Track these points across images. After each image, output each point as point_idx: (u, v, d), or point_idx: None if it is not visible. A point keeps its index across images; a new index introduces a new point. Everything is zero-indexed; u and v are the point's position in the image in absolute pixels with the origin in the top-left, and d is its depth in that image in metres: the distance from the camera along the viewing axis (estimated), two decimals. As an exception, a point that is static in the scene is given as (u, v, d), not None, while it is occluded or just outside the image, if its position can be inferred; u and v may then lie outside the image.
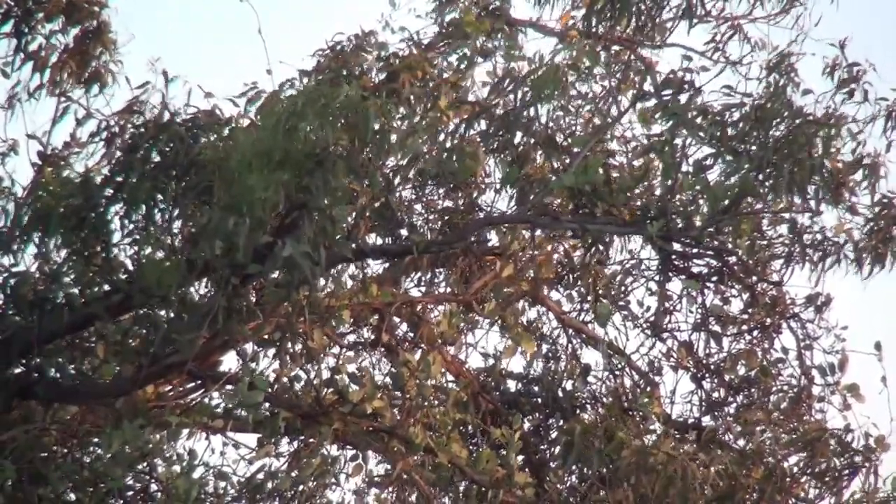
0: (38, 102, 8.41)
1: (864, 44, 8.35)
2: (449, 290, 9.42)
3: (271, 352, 8.03)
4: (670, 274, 8.68)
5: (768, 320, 8.96)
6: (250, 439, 7.99)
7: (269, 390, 7.70)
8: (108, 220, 7.15)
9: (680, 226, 7.84)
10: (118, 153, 7.32)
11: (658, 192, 8.24)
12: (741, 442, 8.57)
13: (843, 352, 8.68)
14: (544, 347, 9.55)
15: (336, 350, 8.61)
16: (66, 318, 7.17)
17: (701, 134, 7.74)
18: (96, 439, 7.45)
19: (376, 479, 8.36)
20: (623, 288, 9.42)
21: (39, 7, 8.24)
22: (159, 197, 7.07)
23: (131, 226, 7.16)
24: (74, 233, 7.13)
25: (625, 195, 8.01)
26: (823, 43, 8.21)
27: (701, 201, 7.89)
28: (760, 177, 7.56)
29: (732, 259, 8.50)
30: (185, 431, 7.62)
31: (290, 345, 8.04)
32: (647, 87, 8.55)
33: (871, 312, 10.13)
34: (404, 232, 8.75)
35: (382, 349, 8.81)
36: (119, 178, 7.18)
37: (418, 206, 9.21)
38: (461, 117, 8.56)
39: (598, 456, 7.91)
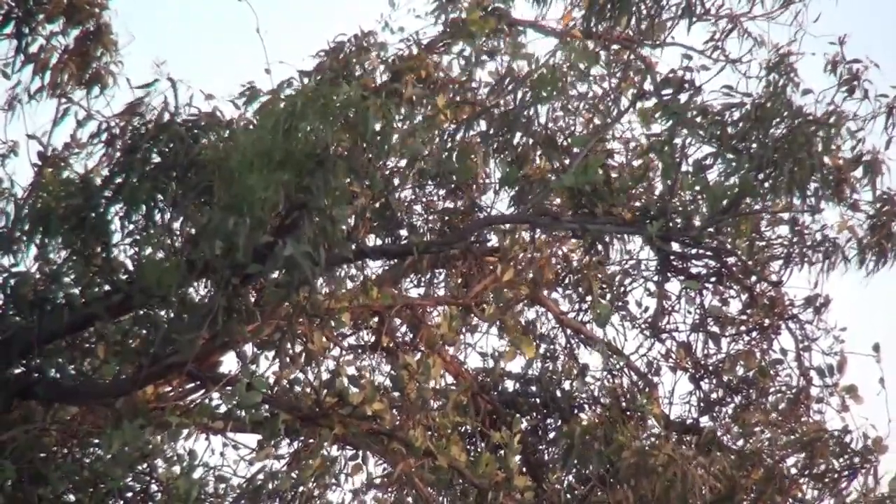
0: (38, 104, 8.40)
1: (863, 40, 8.34)
2: (448, 292, 9.42)
3: (271, 353, 8.04)
4: (669, 274, 8.70)
5: (767, 321, 8.97)
6: (250, 440, 8.01)
7: (269, 392, 7.70)
8: (108, 220, 7.14)
9: (679, 226, 7.85)
10: (118, 154, 7.32)
11: (658, 192, 8.26)
12: (740, 443, 8.58)
13: (842, 353, 8.70)
14: (542, 347, 9.54)
15: (336, 352, 8.63)
16: (66, 318, 7.15)
17: (701, 133, 7.75)
18: (96, 439, 7.45)
19: (376, 480, 8.36)
20: (622, 288, 9.42)
21: (40, 8, 8.22)
22: (159, 197, 7.05)
23: (131, 226, 7.14)
24: (74, 233, 7.12)
25: (624, 195, 8.02)
26: (823, 40, 8.20)
27: (700, 201, 7.90)
28: (760, 176, 7.56)
29: (731, 260, 8.50)
30: (185, 432, 7.59)
31: (289, 346, 8.04)
32: (647, 86, 8.58)
33: (871, 313, 10.15)
34: (404, 232, 8.76)
35: (382, 351, 8.81)
36: (119, 179, 7.16)
37: (418, 207, 9.23)
38: (461, 117, 8.57)
39: (598, 457, 7.93)
